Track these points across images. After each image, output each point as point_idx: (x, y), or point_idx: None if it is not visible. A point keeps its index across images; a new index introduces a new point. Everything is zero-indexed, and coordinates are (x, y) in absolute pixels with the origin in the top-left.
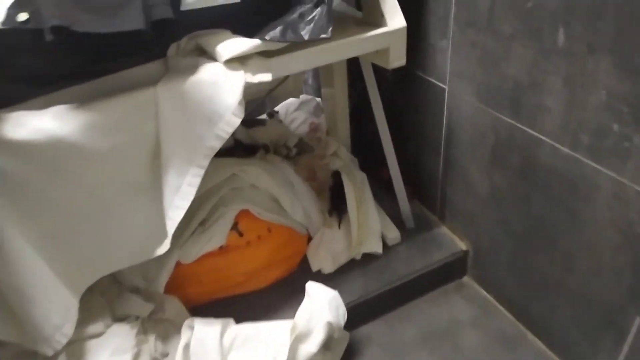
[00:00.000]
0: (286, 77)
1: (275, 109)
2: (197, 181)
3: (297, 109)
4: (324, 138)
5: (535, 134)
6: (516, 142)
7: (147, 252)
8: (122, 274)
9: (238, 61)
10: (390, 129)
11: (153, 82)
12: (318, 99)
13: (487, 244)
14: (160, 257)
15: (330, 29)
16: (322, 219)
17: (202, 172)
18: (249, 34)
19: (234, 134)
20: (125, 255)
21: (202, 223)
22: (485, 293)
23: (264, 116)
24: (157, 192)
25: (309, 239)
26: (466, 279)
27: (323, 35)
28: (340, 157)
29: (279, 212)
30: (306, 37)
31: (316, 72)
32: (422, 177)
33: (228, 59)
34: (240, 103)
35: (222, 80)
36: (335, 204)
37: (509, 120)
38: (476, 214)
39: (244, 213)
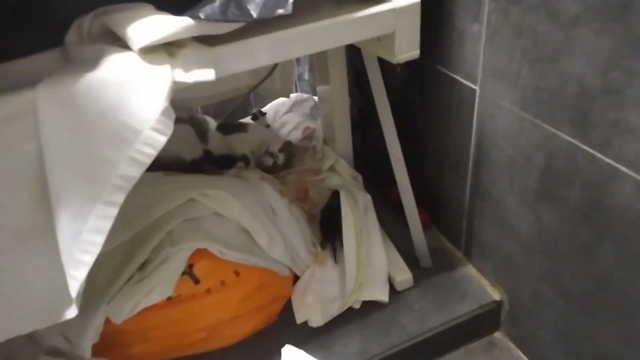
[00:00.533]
0: (271, 71)
1: (264, 109)
2: (107, 225)
3: (289, 110)
4: (321, 148)
5: (610, 161)
6: (578, 170)
7: (52, 315)
8: (39, 333)
9: (164, 50)
10: (403, 140)
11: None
12: (316, 99)
13: (529, 296)
14: (81, 313)
15: (290, 1)
16: (311, 254)
17: (112, 211)
18: (180, 11)
19: (203, 143)
20: (25, 319)
21: (141, 267)
22: (523, 356)
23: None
24: (54, 237)
25: (296, 278)
26: (498, 335)
27: (280, 11)
28: (339, 172)
29: (251, 249)
30: (255, 15)
31: (312, 63)
32: (442, 201)
33: (145, 46)
34: (165, 113)
35: (136, 79)
36: (329, 233)
37: (569, 139)
38: (515, 257)
39: (201, 252)
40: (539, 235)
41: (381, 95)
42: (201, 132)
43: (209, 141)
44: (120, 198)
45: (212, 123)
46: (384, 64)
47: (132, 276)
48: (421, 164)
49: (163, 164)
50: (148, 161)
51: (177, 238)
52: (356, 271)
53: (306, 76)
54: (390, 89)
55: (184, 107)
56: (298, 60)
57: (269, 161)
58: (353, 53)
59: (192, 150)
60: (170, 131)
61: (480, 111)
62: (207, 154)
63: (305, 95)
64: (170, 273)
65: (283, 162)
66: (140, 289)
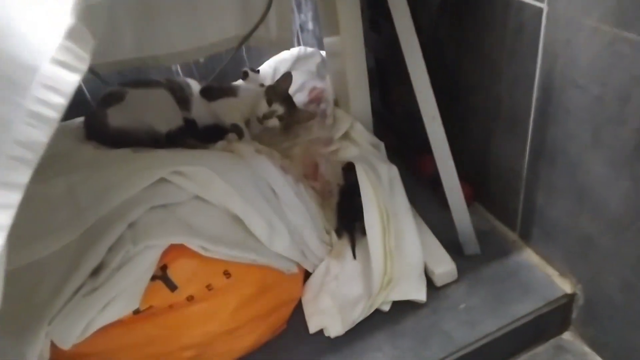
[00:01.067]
0: (265, 13)
1: (259, 68)
2: (4, 219)
3: (291, 67)
4: (332, 111)
5: None
6: None
7: None
8: None
9: None
10: (438, 93)
11: None
12: (323, 53)
13: (617, 288)
14: (15, 338)
15: None
16: (325, 245)
17: (12, 197)
18: None
19: (185, 110)
20: None
21: (95, 273)
22: None
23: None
24: None
25: (307, 276)
26: (568, 337)
27: None
28: (356, 140)
29: (244, 242)
30: None
31: (317, 8)
32: (491, 170)
33: None
34: (72, 34)
35: None
36: (348, 218)
37: None
38: (598, 237)
39: (177, 250)
40: (635, 207)
41: (409, 33)
42: (181, 97)
43: (192, 109)
44: (22, 176)
45: (195, 87)
46: None
47: (82, 285)
48: (463, 123)
49: (133, 139)
50: (55, 115)
51: (141, 232)
52: (383, 264)
53: (310, 25)
54: (420, 27)
55: (158, 66)
56: (299, 5)
57: (267, 120)
58: None
59: (168, 119)
60: (85, 64)
61: (549, 39)
62: (189, 124)
63: (309, 49)
64: (134, 279)
65: (284, 116)
66: (93, 302)
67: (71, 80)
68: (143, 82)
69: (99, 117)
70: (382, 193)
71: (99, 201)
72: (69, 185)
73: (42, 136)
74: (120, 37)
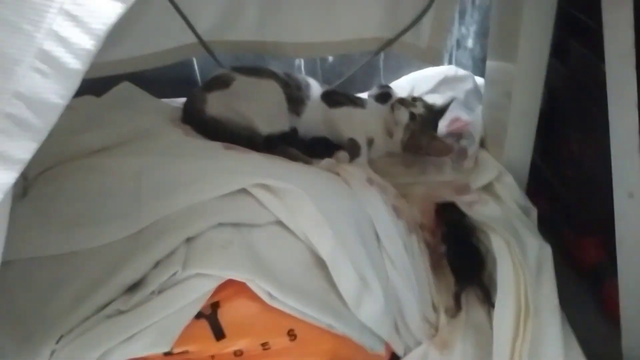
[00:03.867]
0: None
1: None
2: None
3: (434, 89)
4: (475, 153)
5: None
6: None
7: None
8: None
9: None
10: None
11: None
12: (478, 79)
13: None
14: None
15: None
16: (428, 325)
17: (13, 170)
18: None
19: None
20: None
21: (132, 289)
22: None
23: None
24: None
25: (394, 357)
26: None
27: None
28: (500, 196)
29: (324, 297)
30: None
31: (483, 23)
32: None
33: None
34: None
35: None
36: (466, 270)
37: None
38: None
39: (235, 287)
40: None
41: (623, 61)
42: (295, 97)
43: (304, 112)
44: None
45: (316, 89)
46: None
47: (109, 302)
48: None
49: (229, 132)
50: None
51: (198, 253)
52: None
53: (469, 42)
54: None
55: (279, 56)
56: (463, 15)
57: (403, 115)
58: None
59: (273, 120)
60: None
61: None
62: (294, 131)
63: (462, 72)
64: (175, 311)
65: (419, 120)
66: (118, 327)
67: (107, 11)
68: (256, 71)
69: (198, 101)
70: (525, 279)
71: (162, 198)
72: (138, 169)
73: (52, 93)
74: (242, 14)
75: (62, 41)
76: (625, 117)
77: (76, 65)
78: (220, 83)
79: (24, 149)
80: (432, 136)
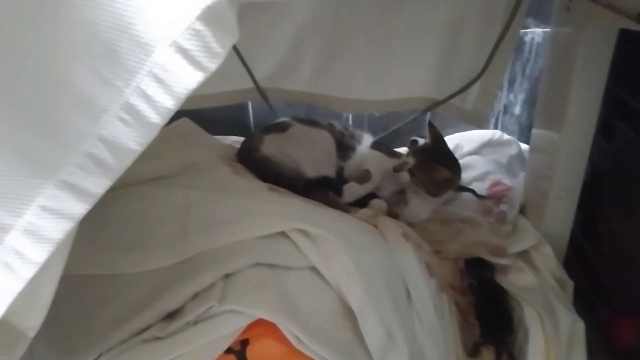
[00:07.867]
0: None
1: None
2: (63, 228)
3: (477, 151)
4: (513, 218)
5: None
6: None
7: None
8: None
9: None
10: None
11: None
12: (523, 146)
13: None
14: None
15: None
16: None
17: (76, 207)
18: None
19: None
20: None
21: (170, 316)
22: None
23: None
24: None
25: None
26: None
27: None
28: (537, 266)
29: (347, 347)
30: None
31: (532, 92)
32: None
33: None
34: (207, 16)
35: None
36: (494, 327)
37: None
38: None
39: (265, 327)
40: None
41: None
42: (346, 144)
43: (351, 158)
44: (92, 183)
45: (367, 139)
46: None
47: (149, 326)
48: None
49: (277, 172)
50: (157, 119)
51: (234, 290)
52: None
53: (517, 110)
54: None
55: (329, 108)
56: (512, 83)
57: (405, 177)
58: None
59: (319, 165)
60: (216, 62)
61: None
62: (340, 172)
63: (506, 137)
64: (208, 342)
65: (415, 168)
66: (153, 352)
67: (189, 79)
68: (312, 121)
69: (256, 140)
70: (556, 354)
71: (208, 232)
72: (186, 201)
73: (131, 141)
74: (298, 66)
75: (147, 98)
76: None
77: (156, 119)
78: (278, 127)
79: (99, 185)
80: (431, 172)
